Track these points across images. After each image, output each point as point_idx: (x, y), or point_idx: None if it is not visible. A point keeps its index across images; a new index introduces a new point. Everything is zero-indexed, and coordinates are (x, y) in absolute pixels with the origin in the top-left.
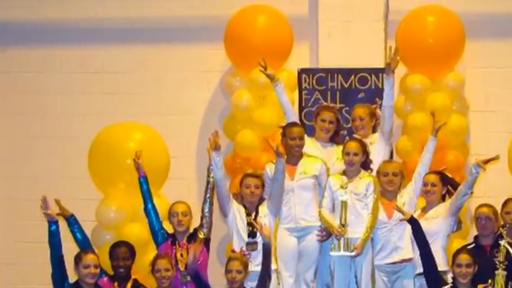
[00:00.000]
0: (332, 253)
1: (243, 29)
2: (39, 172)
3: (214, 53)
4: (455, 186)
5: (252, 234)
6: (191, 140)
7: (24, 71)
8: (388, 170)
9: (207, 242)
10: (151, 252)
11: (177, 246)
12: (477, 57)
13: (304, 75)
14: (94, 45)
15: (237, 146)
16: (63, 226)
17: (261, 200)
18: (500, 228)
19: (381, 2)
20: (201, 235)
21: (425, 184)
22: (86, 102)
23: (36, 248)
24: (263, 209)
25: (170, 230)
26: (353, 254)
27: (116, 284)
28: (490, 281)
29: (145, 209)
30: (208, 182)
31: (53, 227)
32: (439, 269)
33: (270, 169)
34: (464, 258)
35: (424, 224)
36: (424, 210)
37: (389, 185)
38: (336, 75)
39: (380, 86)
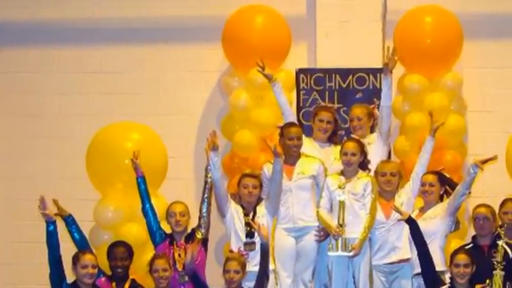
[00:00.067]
0: (330, 253)
1: (240, 29)
2: (37, 172)
3: (212, 53)
4: (453, 186)
5: (250, 234)
6: (189, 140)
7: (21, 71)
8: (386, 170)
9: (205, 242)
10: (149, 252)
11: (175, 246)
12: (475, 58)
13: (302, 76)
14: (91, 45)
15: (235, 146)
16: (61, 226)
17: (259, 200)
18: (498, 229)
19: (379, 2)
20: (199, 235)
21: (423, 184)
22: (83, 102)
23: (34, 248)
24: (261, 209)
25: (168, 230)
26: (351, 254)
27: (113, 284)
28: (487, 281)
29: (143, 209)
30: (206, 182)
31: (51, 227)
32: (437, 269)
33: (268, 169)
34: (462, 258)
35: (422, 224)
36: (422, 210)
37: (387, 185)
38: (333, 75)
39: (378, 86)
